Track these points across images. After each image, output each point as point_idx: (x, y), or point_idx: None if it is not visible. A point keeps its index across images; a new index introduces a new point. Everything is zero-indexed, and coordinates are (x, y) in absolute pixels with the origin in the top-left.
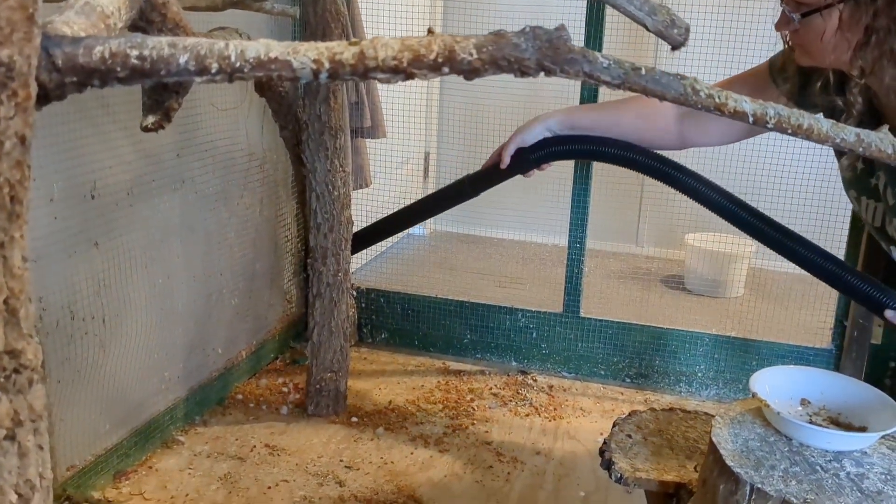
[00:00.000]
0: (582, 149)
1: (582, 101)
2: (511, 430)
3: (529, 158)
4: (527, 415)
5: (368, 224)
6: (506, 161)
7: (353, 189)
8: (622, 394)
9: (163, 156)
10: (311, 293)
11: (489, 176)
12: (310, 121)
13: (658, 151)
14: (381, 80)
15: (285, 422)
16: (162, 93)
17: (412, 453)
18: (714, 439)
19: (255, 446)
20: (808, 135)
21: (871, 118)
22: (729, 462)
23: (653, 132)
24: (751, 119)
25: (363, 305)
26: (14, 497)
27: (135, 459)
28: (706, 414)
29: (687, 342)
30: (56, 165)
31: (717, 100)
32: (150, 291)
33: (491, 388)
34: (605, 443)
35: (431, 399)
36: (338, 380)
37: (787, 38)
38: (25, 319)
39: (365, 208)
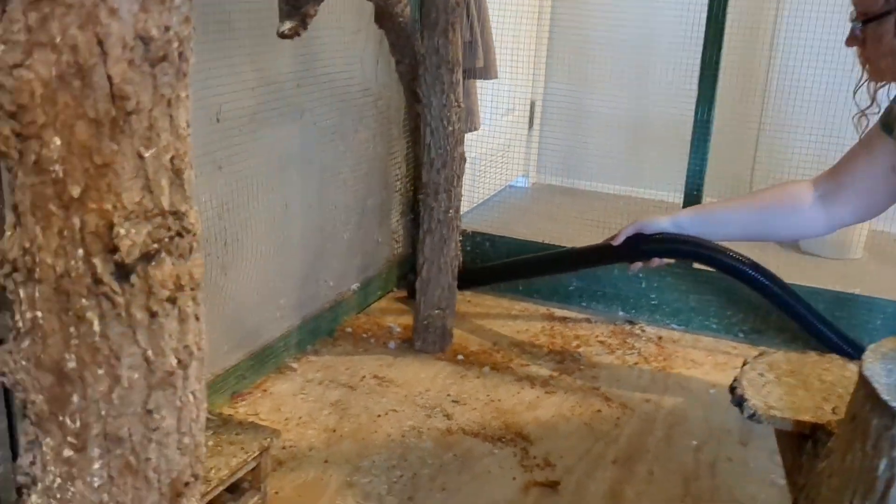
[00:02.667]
0: (698, 253)
1: (704, 47)
2: (619, 378)
3: (641, 248)
4: (635, 363)
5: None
6: (619, 239)
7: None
8: (735, 348)
9: (283, 85)
10: (421, 229)
11: (598, 253)
12: (427, 54)
13: (807, 238)
14: None
15: (393, 356)
16: None
17: (518, 393)
18: (866, 374)
19: (364, 377)
20: None
21: None
22: (885, 396)
23: (801, 220)
24: None
25: (468, 248)
26: (174, 361)
27: (250, 382)
28: (842, 358)
29: (807, 299)
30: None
31: None
32: (268, 218)
33: (597, 336)
34: (735, 380)
35: (537, 343)
36: (445, 317)
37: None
38: (189, 183)
39: (470, 154)
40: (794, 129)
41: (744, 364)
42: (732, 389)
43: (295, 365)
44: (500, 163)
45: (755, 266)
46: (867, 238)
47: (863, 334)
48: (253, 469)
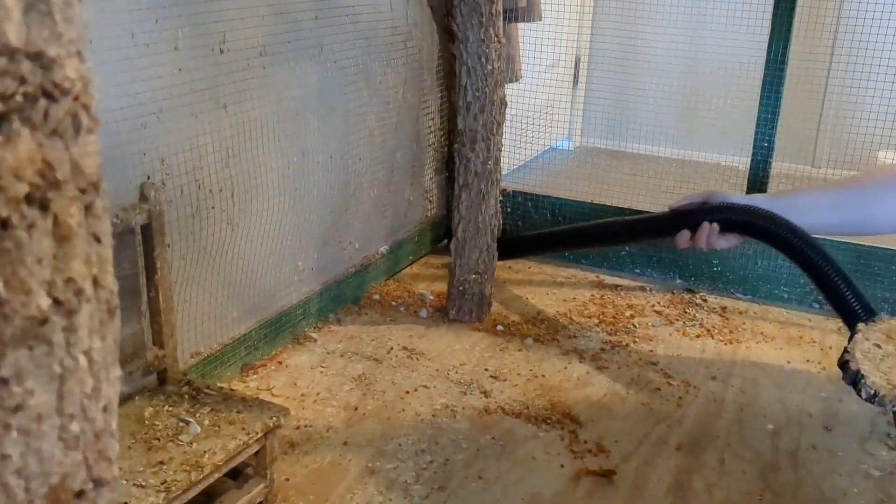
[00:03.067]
0: (760, 226)
1: None
2: (680, 352)
3: (699, 217)
4: (697, 336)
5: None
6: (680, 203)
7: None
8: (809, 320)
9: (299, 16)
10: (456, 183)
11: (652, 223)
12: None
13: None
14: None
15: (424, 325)
16: None
17: (566, 368)
18: None
19: (391, 348)
20: None
21: None
22: None
23: None
24: None
25: (508, 210)
26: (45, 302)
27: (264, 353)
28: None
29: (893, 263)
30: (180, 9)
31: None
32: (282, 168)
33: (653, 306)
34: (846, 351)
35: (585, 313)
36: (483, 283)
37: None
38: (70, 15)
39: (510, 111)
40: (865, 88)
41: (854, 332)
42: (844, 364)
43: (315, 335)
44: (543, 122)
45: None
46: None
47: None
48: (257, 453)
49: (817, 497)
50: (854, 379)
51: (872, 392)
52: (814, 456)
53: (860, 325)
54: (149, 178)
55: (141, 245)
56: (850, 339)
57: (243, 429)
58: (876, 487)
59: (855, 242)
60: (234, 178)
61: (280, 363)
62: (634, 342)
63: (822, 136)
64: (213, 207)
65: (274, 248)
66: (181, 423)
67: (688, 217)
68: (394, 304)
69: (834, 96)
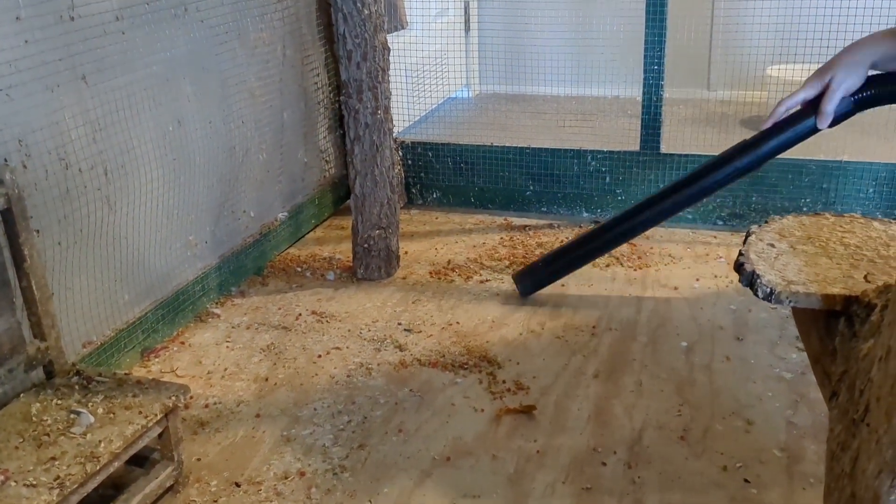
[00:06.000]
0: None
1: None
2: (591, 282)
3: (851, 108)
4: (607, 265)
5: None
6: (828, 116)
7: (388, 32)
8: (715, 237)
9: None
10: (347, 137)
11: (791, 134)
12: None
13: None
14: None
15: (333, 288)
16: None
17: (480, 312)
18: None
19: (300, 314)
20: None
21: None
22: None
23: None
24: None
25: (409, 163)
26: None
27: (164, 335)
28: (864, 217)
29: (790, 172)
30: None
31: None
32: (158, 139)
33: (561, 241)
34: (740, 254)
35: (496, 256)
36: (387, 237)
37: None
38: None
39: (403, 64)
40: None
41: (748, 234)
42: (739, 266)
43: (217, 310)
44: (438, 73)
45: None
46: None
47: (854, 204)
48: (160, 435)
49: (734, 405)
50: (750, 279)
51: (769, 290)
52: (728, 367)
53: (753, 228)
54: (6, 160)
55: (3, 233)
56: (744, 242)
57: (140, 412)
58: (790, 389)
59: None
60: (104, 153)
61: (183, 343)
62: None
63: (714, 59)
64: (85, 187)
65: (160, 224)
66: (72, 415)
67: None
68: (299, 270)
69: (721, 18)
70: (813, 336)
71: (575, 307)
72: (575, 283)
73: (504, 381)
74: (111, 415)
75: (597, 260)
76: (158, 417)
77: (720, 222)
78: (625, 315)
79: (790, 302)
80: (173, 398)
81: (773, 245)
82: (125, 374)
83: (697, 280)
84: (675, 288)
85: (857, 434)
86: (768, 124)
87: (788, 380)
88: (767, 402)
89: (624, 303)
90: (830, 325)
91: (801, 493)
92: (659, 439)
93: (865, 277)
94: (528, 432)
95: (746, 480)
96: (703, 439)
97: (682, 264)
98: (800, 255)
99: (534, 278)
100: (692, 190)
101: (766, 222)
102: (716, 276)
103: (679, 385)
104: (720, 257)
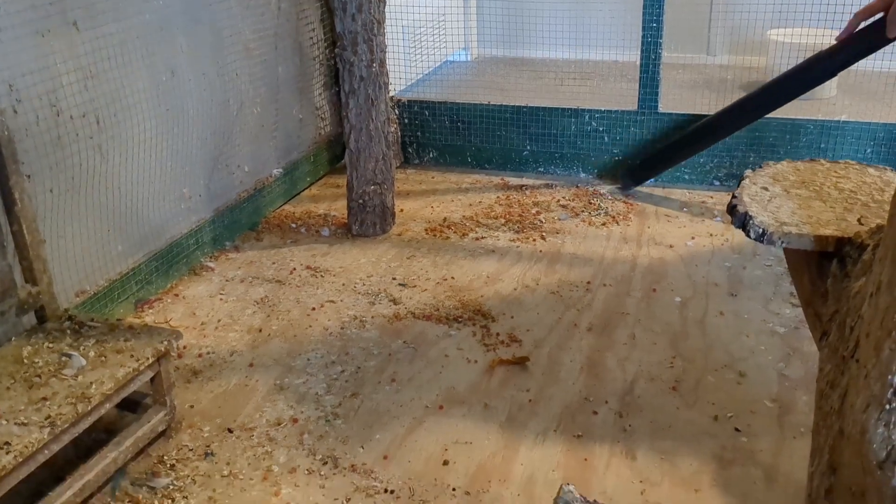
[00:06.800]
0: None
1: None
2: (587, 241)
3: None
4: (603, 224)
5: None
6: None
7: None
8: (711, 197)
9: None
10: (342, 91)
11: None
12: None
13: None
14: None
15: (327, 244)
16: None
17: (475, 268)
18: None
19: (294, 269)
20: None
21: None
22: None
23: None
24: None
25: (406, 121)
26: None
27: (158, 287)
28: (860, 164)
29: (788, 133)
30: None
31: None
32: (151, 90)
33: (558, 201)
34: (734, 197)
35: (492, 214)
36: (383, 193)
37: None
38: None
39: (400, 25)
40: None
41: (742, 178)
42: (732, 208)
43: (212, 264)
44: (436, 34)
45: None
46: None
47: None
48: (152, 380)
49: (726, 358)
50: (742, 221)
51: (761, 231)
52: (721, 321)
53: (747, 172)
54: None
55: None
56: (738, 186)
57: (132, 356)
58: (782, 343)
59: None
60: (96, 101)
61: (177, 295)
62: (542, 237)
63: (715, 23)
64: (76, 134)
65: (153, 175)
66: (63, 358)
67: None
68: (294, 226)
69: None
70: (805, 279)
71: (570, 264)
72: (571, 241)
73: (498, 334)
74: (103, 358)
75: (593, 219)
76: (150, 361)
77: (717, 182)
78: (619, 271)
79: (782, 242)
80: (165, 343)
81: (766, 188)
82: (118, 319)
83: (693, 238)
84: (671, 246)
85: (846, 371)
86: (843, 35)
87: (781, 334)
88: (760, 355)
89: (619, 260)
90: (822, 267)
91: (792, 441)
92: (651, 390)
93: (859, 220)
94: (520, 382)
95: (737, 430)
96: (694, 390)
97: (677, 223)
98: (793, 198)
99: (635, 174)
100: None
101: (761, 167)
102: (711, 235)
103: (672, 338)
104: (716, 216)
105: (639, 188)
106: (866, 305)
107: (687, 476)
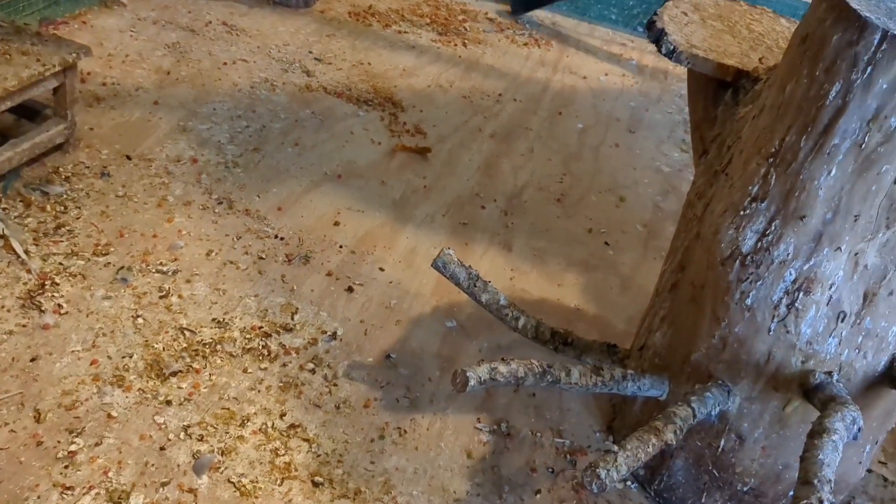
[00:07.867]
0: None
1: None
2: (506, 56)
3: None
4: (525, 44)
5: None
6: None
7: None
8: (632, 41)
9: None
10: None
11: None
12: None
13: None
14: None
15: (247, 5)
16: None
17: (392, 59)
18: None
19: (210, 22)
20: None
21: None
22: (854, 4)
23: None
24: None
25: None
26: None
27: (65, 10)
28: (775, 13)
29: None
30: None
31: None
32: None
33: (486, 13)
34: (655, 14)
35: (418, 12)
36: None
37: None
38: None
39: None
40: None
41: (666, 0)
42: (651, 24)
43: (125, 0)
44: None
45: None
46: None
47: None
48: (55, 91)
49: (611, 183)
50: (658, 36)
51: (672, 48)
52: (614, 152)
53: None
54: None
55: None
56: (661, 6)
57: (38, 60)
58: (665, 181)
59: None
60: None
61: (84, 23)
62: (464, 44)
63: None
64: None
65: None
66: None
67: None
68: None
69: None
70: (700, 103)
71: (486, 74)
72: (491, 53)
73: (405, 123)
74: (7, 56)
75: (517, 38)
76: (56, 70)
77: (640, 28)
78: (531, 90)
79: (688, 63)
80: (74, 55)
81: (686, 14)
82: (25, 24)
83: (606, 74)
84: (584, 77)
85: (714, 183)
86: None
87: (665, 172)
88: (642, 186)
89: (533, 80)
90: (718, 95)
91: (652, 262)
92: (537, 197)
93: (760, 59)
94: (418, 170)
95: (606, 244)
96: (576, 205)
97: (595, 57)
98: (708, 27)
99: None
100: None
101: None
102: (623, 75)
103: (566, 158)
104: (632, 59)
105: (566, 19)
106: (747, 127)
107: (553, 272)
